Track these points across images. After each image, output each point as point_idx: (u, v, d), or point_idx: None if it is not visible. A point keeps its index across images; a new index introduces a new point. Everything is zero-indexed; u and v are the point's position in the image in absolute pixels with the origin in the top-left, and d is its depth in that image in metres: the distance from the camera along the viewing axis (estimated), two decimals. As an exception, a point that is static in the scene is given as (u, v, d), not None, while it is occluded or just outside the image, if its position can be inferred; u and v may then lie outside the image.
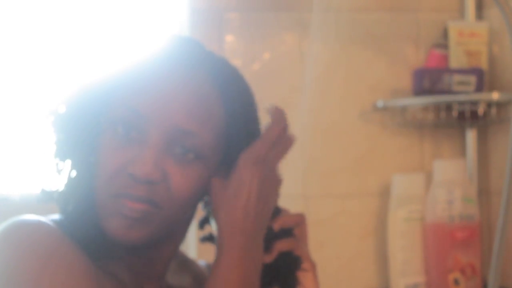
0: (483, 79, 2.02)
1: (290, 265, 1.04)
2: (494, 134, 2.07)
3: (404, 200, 2.00)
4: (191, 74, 0.98)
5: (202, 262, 1.16)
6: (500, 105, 2.02)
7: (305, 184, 2.02)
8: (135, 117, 0.95)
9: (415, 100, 2.02)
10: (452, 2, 2.11)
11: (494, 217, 2.04)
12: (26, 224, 0.94)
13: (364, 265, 2.06)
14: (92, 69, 1.02)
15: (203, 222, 1.07)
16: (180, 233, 1.04)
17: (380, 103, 2.04)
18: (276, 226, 1.03)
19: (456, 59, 2.05)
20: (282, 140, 1.01)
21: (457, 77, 2.01)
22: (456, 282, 1.97)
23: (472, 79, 2.01)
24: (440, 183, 1.99)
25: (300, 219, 1.06)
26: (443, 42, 2.08)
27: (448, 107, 2.04)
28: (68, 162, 1.00)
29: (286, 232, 1.04)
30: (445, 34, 2.08)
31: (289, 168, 1.96)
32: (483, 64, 2.06)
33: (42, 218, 0.96)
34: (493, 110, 2.01)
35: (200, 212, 1.06)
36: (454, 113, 2.03)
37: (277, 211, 1.04)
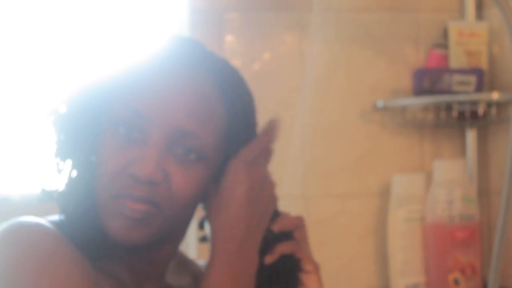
0: (483, 79, 2.02)
1: (290, 268, 1.04)
2: (494, 134, 2.07)
3: (404, 200, 2.00)
4: (192, 74, 0.98)
5: (201, 262, 1.16)
6: (500, 105, 2.02)
7: (305, 184, 2.02)
8: (136, 117, 0.95)
9: (415, 100, 2.02)
10: (452, 2, 2.11)
11: (494, 217, 2.04)
12: (25, 226, 0.94)
13: (364, 265, 2.06)
14: (93, 69, 1.01)
15: (203, 222, 1.07)
16: (179, 233, 1.04)
17: (380, 103, 2.04)
18: (275, 228, 1.02)
19: (456, 59, 2.05)
20: (268, 151, 1.01)
21: (457, 77, 2.01)
22: (456, 282, 1.97)
23: (472, 79, 2.01)
24: (440, 183, 1.99)
25: (299, 222, 1.06)
26: (443, 42, 2.08)
27: (448, 107, 2.04)
28: (69, 162, 1.00)
29: (286, 235, 1.04)
30: (445, 34, 2.08)
31: (289, 168, 1.97)
32: (483, 64, 2.06)
33: (41, 220, 0.96)
34: (493, 110, 2.01)
35: (199, 212, 1.06)
36: (454, 113, 2.03)
37: (276, 214, 1.04)
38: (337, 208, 2.04)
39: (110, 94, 0.98)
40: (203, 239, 1.07)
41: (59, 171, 1.00)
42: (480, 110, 2.01)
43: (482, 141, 2.09)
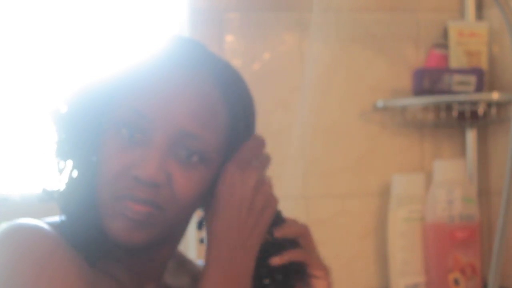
0: (483, 79, 2.02)
1: (298, 273, 1.04)
2: (494, 134, 2.07)
3: (404, 200, 2.00)
4: (194, 76, 0.98)
5: (200, 262, 1.17)
6: (500, 105, 2.02)
7: (305, 184, 2.02)
8: (139, 118, 0.95)
9: (415, 100, 2.02)
10: (452, 2, 2.11)
11: (494, 217, 2.05)
12: (23, 228, 0.94)
13: (364, 265, 2.06)
14: (94, 69, 1.01)
15: (202, 223, 1.08)
16: (179, 233, 1.04)
17: (380, 103, 2.04)
18: (276, 234, 1.02)
19: (456, 59, 2.05)
20: (261, 157, 1.01)
21: (457, 77, 2.01)
22: (456, 282, 1.97)
23: (472, 79, 2.01)
24: (440, 183, 1.99)
25: (303, 230, 1.05)
26: (443, 42, 2.08)
27: (448, 107, 2.04)
28: (70, 162, 0.99)
29: (290, 242, 1.03)
30: (445, 34, 2.08)
31: (289, 168, 1.97)
32: (483, 64, 2.06)
33: (40, 222, 0.96)
34: (493, 110, 2.01)
35: (198, 212, 1.06)
36: (454, 113, 2.03)
37: (279, 220, 1.04)
38: (337, 208, 2.04)
39: (112, 94, 0.98)
40: (202, 240, 1.07)
41: (60, 171, 0.99)
42: (480, 110, 2.01)
43: (482, 141, 2.09)
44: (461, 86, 2.01)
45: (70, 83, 1.02)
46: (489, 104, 2.02)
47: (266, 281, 1.02)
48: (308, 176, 2.02)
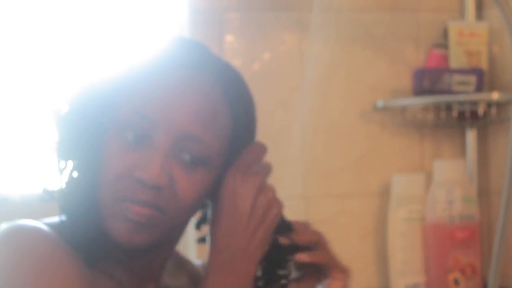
0: (483, 79, 2.02)
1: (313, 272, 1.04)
2: (494, 134, 2.07)
3: (404, 200, 2.00)
4: (197, 78, 0.97)
5: (197, 261, 1.17)
6: (500, 105, 2.02)
7: (305, 184, 2.02)
8: (141, 120, 0.95)
9: (415, 100, 2.02)
10: (452, 2, 2.11)
11: (494, 217, 2.05)
12: (23, 229, 0.94)
13: (364, 265, 2.06)
14: (96, 69, 1.01)
15: (200, 223, 1.08)
16: (178, 234, 1.04)
17: (380, 103, 2.04)
18: (282, 241, 1.02)
19: (456, 59, 2.05)
20: (262, 163, 1.01)
21: (457, 77, 2.01)
22: (456, 282, 1.97)
23: (472, 79, 2.01)
24: (440, 183, 1.99)
25: (319, 238, 1.05)
26: (443, 42, 2.08)
27: (448, 107, 2.04)
28: (70, 162, 0.99)
29: (302, 249, 1.04)
30: (445, 34, 2.08)
31: (289, 168, 1.97)
32: (483, 64, 2.06)
33: (39, 223, 0.96)
34: (493, 110, 2.01)
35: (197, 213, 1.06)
36: (454, 113, 2.03)
37: (284, 225, 1.03)
38: (337, 208, 2.04)
39: (114, 95, 0.98)
40: (200, 240, 1.07)
41: (61, 171, 0.99)
42: (480, 110, 2.01)
43: (482, 141, 2.09)
44: (461, 86, 2.01)
45: (71, 83, 1.01)
46: (489, 104, 2.02)
47: (280, 283, 1.03)
48: (308, 176, 2.02)
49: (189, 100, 0.96)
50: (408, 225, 2.00)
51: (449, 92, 2.01)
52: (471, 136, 2.08)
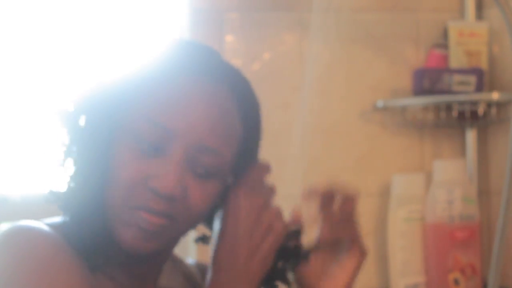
0: (483, 79, 2.02)
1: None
2: (494, 134, 2.07)
3: (404, 200, 2.00)
4: (213, 89, 0.97)
5: (191, 261, 1.17)
6: (500, 105, 2.02)
7: (305, 184, 2.02)
8: (158, 130, 0.94)
9: (415, 100, 2.02)
10: (452, 2, 2.11)
11: (494, 217, 2.04)
12: (24, 230, 0.94)
13: (364, 265, 2.06)
14: (104, 72, 1.00)
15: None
16: (181, 238, 1.05)
17: (380, 103, 2.04)
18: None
19: (456, 59, 2.05)
20: (265, 185, 1.01)
21: (457, 77, 2.01)
22: (456, 282, 1.97)
23: (472, 79, 2.01)
24: (440, 183, 1.99)
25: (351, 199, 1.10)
26: (443, 42, 2.08)
27: (448, 107, 2.04)
28: (77, 165, 0.98)
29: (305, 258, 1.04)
30: (445, 34, 2.08)
31: (289, 168, 1.97)
32: (483, 64, 2.06)
33: (41, 224, 0.96)
34: (493, 110, 2.01)
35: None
36: (454, 113, 2.03)
37: (296, 234, 1.04)
38: (337, 208, 2.04)
39: (124, 98, 0.97)
40: (197, 240, 1.08)
41: (67, 173, 0.99)
42: (480, 110, 2.01)
43: (482, 141, 2.09)
44: (461, 86, 2.01)
45: (79, 84, 1.01)
46: (489, 104, 2.02)
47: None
48: (308, 176, 2.02)
49: (206, 111, 0.95)
50: (408, 225, 2.00)
51: (449, 92, 2.01)
52: (471, 136, 2.08)
